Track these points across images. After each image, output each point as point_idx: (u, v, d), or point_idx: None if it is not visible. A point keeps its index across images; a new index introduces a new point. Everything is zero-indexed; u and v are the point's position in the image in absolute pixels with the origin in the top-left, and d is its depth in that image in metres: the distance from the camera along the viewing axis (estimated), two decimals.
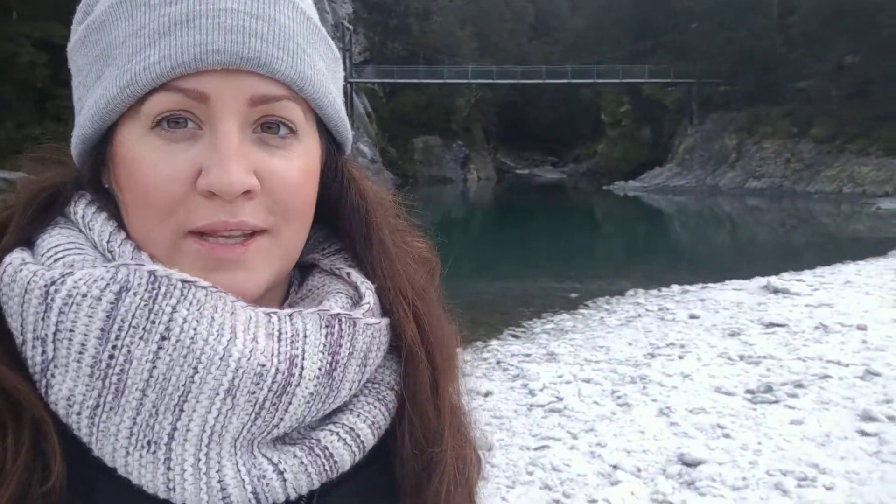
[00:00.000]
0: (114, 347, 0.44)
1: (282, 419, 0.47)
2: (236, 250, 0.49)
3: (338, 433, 0.51)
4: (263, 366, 0.46)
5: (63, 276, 0.46)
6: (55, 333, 0.45)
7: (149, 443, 0.45)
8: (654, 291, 10.15)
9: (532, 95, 64.91)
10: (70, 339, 0.45)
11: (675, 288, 10.20)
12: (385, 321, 0.55)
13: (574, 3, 76.29)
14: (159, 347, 0.44)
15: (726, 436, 4.22)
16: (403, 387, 0.55)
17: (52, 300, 0.45)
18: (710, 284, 10.27)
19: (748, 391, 5.05)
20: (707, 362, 5.91)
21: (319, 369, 0.48)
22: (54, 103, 22.31)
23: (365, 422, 0.52)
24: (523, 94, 64.06)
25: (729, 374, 5.51)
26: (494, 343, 7.34)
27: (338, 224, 0.60)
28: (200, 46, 0.47)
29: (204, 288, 0.46)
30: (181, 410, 0.45)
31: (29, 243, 0.51)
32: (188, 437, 0.45)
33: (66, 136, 0.56)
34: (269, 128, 0.50)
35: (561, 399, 5.07)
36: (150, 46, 0.48)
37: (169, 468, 0.45)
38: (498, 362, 6.34)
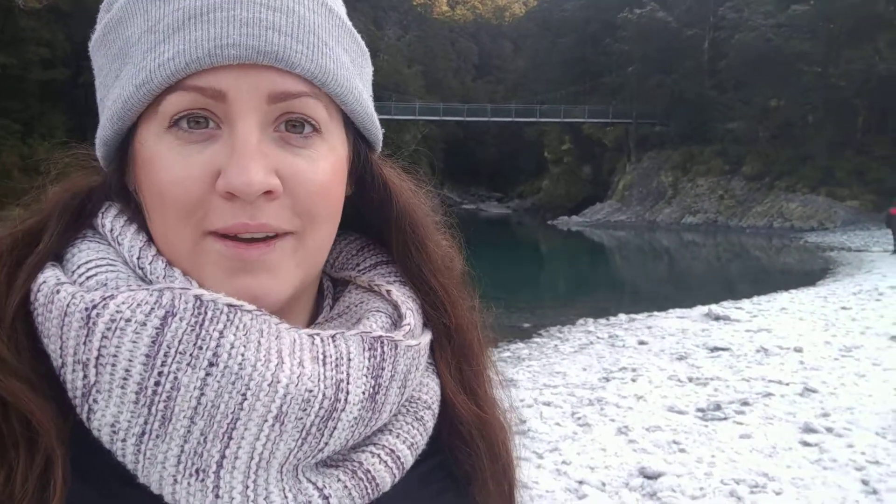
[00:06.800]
0: (160, 374, 0.43)
1: (326, 444, 0.47)
2: (260, 249, 0.47)
3: (379, 455, 0.50)
4: (311, 391, 0.45)
5: (105, 299, 0.44)
6: (97, 358, 0.43)
7: (197, 471, 0.43)
8: (603, 320, 10.48)
9: (478, 132, 66.43)
10: (114, 365, 0.43)
11: (623, 317, 10.57)
12: (425, 340, 0.54)
13: (516, 45, 78.84)
14: (207, 374, 0.43)
15: (682, 450, 4.46)
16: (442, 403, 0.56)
17: (95, 324, 0.44)
18: (655, 313, 10.70)
19: (699, 409, 5.33)
20: (658, 384, 6.18)
21: (363, 393, 0.47)
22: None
23: (405, 442, 0.51)
24: (469, 131, 65.48)
25: (680, 395, 5.79)
26: None
27: (373, 229, 0.58)
28: (215, 41, 0.45)
29: (249, 312, 0.45)
30: (230, 438, 0.43)
31: (58, 257, 0.50)
32: (237, 464, 0.44)
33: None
34: (292, 126, 0.48)
35: (524, 422, 5.22)
36: (164, 42, 0.46)
37: (217, 496, 0.44)
38: None
